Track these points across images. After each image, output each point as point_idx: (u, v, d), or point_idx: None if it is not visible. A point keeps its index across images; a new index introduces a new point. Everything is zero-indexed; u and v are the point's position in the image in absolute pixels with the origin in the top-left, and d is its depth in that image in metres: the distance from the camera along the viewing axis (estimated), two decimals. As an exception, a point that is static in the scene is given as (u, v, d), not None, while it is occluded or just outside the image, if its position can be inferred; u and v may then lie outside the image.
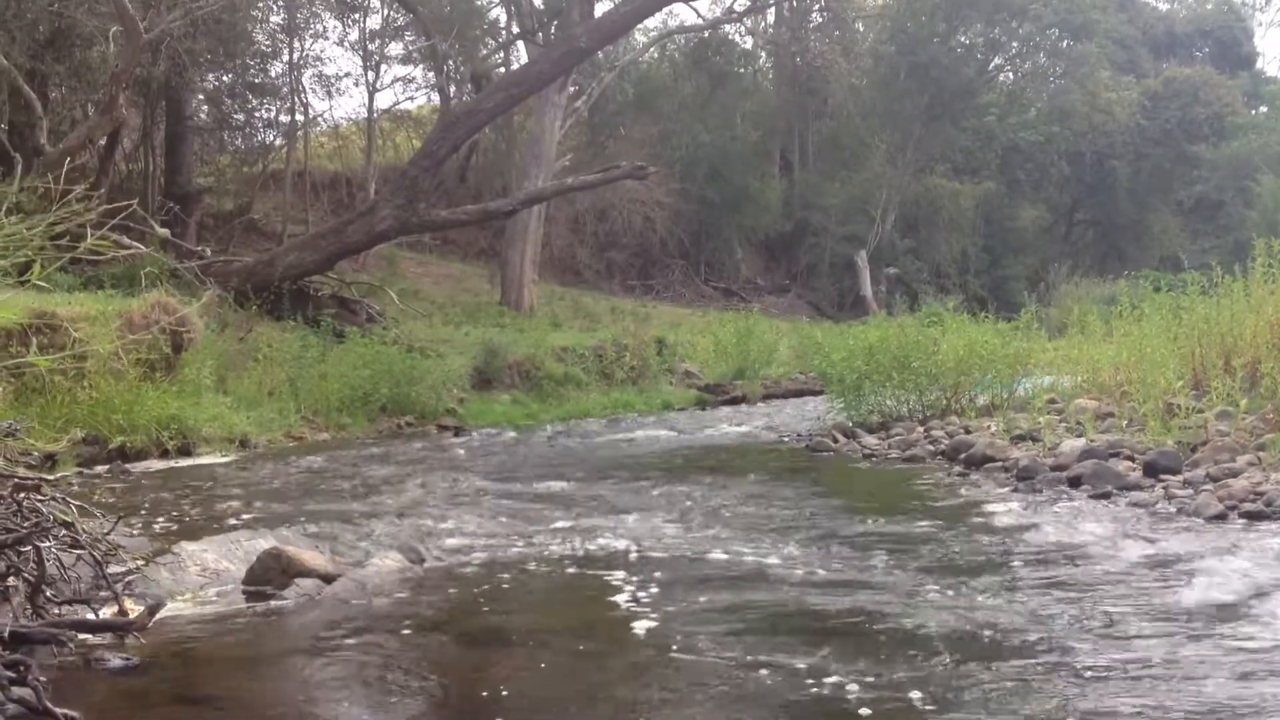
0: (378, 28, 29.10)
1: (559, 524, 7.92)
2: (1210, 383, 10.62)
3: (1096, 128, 42.64)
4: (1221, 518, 7.37)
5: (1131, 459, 9.47)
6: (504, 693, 4.40)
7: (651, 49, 37.05)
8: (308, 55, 27.43)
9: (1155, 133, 43.42)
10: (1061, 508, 8.19)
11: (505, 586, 6.14)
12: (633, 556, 6.81)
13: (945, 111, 39.25)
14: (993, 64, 42.20)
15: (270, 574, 6.03)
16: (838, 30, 41.97)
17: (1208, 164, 43.24)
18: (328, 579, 6.07)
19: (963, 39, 40.19)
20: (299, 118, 27.38)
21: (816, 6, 42.39)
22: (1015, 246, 43.02)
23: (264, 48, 25.20)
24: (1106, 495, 8.50)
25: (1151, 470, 8.91)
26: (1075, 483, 8.98)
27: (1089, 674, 4.41)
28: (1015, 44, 41.89)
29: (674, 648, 4.92)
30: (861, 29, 42.28)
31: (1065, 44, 41.53)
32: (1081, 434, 10.66)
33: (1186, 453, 9.22)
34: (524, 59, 29.51)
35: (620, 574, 6.34)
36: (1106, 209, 45.28)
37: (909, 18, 38.58)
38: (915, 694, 4.22)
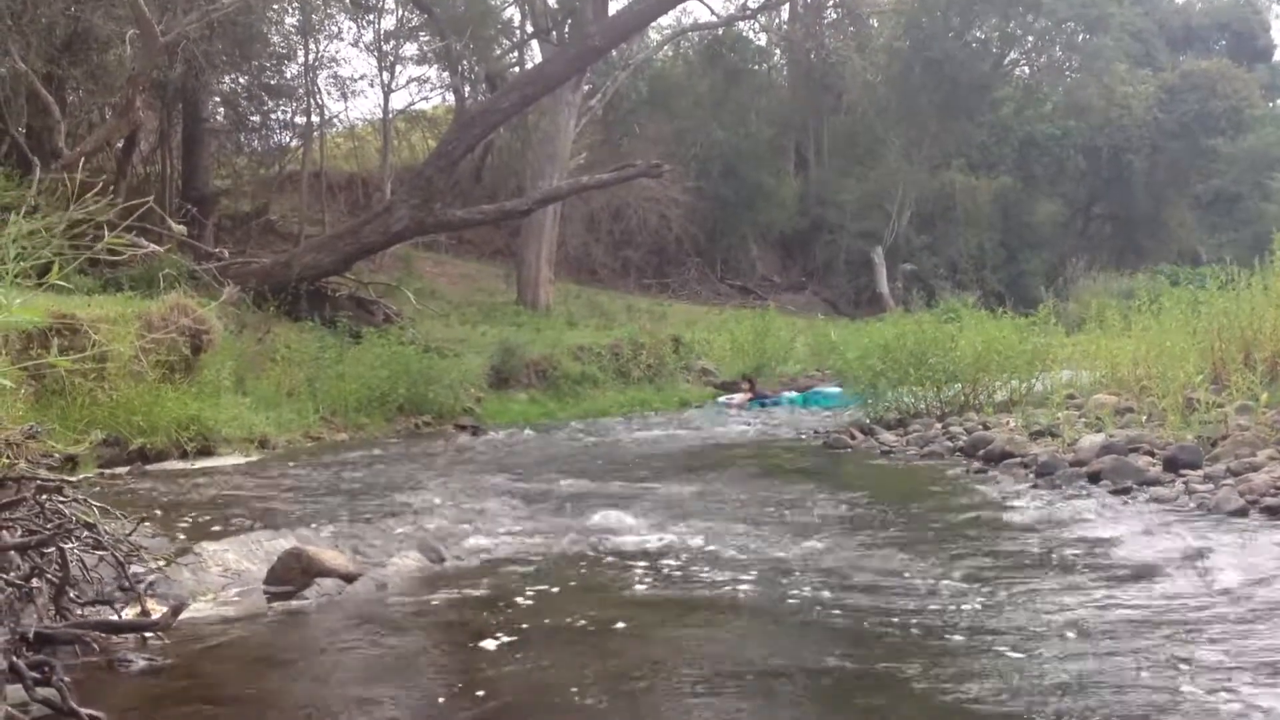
0: (392, 29, 29.18)
1: (579, 522, 7.92)
2: (1230, 377, 10.55)
3: (1113, 121, 42.42)
4: (1242, 513, 7.32)
5: (1151, 454, 9.42)
6: (525, 692, 4.41)
7: (665, 47, 37.05)
8: (323, 57, 27.60)
9: (1172, 126, 43.13)
10: (1081, 504, 8.15)
11: (526, 586, 6.14)
12: (654, 554, 6.81)
13: (961, 106, 39.06)
14: (1008, 58, 41.98)
15: (291, 574, 6.06)
16: (852, 26, 41.93)
17: (1225, 157, 42.98)
18: (348, 579, 6.10)
19: (977, 34, 39.98)
20: (315, 119, 27.49)
21: (831, 3, 42.32)
22: (1032, 241, 42.86)
23: (279, 49, 25.29)
24: (1126, 491, 8.46)
25: (1172, 465, 8.87)
26: (1095, 478, 8.94)
27: (1117, 672, 4.39)
28: (1030, 38, 41.68)
29: (698, 646, 4.92)
30: (876, 25, 42.13)
31: (1081, 38, 41.31)
32: (1101, 429, 10.61)
33: (1207, 447, 9.16)
34: (538, 58, 29.55)
35: (642, 572, 6.34)
36: (1123, 203, 45.06)
37: (923, 13, 38.39)
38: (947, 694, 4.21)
